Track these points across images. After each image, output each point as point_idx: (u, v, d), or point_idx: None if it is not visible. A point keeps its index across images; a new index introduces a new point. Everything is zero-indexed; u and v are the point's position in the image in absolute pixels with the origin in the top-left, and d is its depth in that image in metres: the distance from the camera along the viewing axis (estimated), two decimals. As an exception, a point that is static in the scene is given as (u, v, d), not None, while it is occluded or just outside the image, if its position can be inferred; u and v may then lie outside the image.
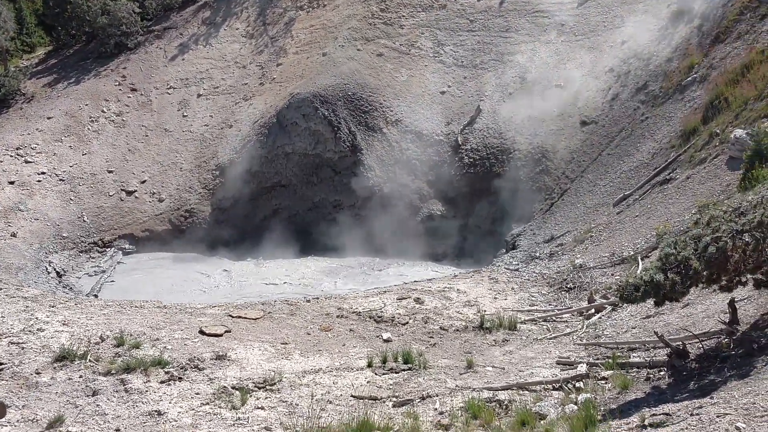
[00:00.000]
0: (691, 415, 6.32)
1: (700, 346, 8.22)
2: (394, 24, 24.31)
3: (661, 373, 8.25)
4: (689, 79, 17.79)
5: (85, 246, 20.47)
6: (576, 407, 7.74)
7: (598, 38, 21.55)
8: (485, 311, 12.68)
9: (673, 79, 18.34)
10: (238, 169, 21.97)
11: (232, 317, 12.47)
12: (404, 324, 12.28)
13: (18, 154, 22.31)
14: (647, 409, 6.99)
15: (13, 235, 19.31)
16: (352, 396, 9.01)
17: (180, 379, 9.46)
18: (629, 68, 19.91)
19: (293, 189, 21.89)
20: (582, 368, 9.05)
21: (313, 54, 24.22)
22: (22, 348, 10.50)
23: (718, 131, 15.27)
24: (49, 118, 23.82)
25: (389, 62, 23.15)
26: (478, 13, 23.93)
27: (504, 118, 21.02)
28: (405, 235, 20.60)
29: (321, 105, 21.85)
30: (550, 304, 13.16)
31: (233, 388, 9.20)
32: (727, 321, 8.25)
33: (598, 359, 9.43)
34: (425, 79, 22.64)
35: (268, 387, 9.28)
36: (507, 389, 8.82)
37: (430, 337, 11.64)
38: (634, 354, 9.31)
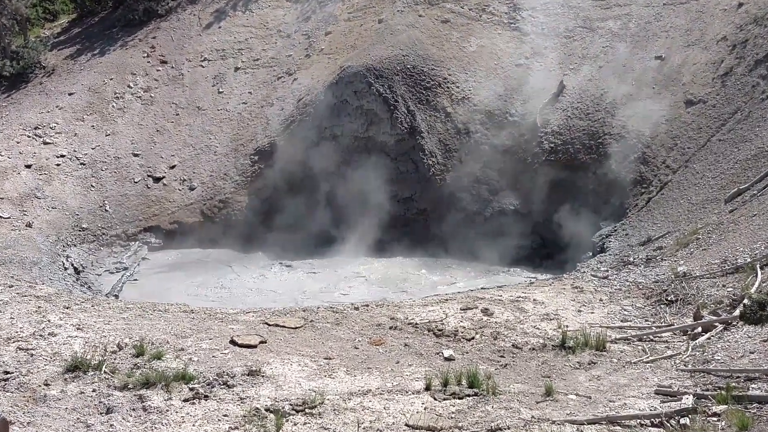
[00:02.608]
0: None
1: (842, 379, 7.61)
2: (463, -15, 23.90)
3: (790, 411, 7.69)
4: (824, 49, 16.88)
5: (107, 239, 20.86)
6: (681, 450, 7.28)
7: (708, 1, 20.69)
8: (567, 327, 12.20)
9: (804, 50, 17.44)
10: (279, 153, 21.99)
11: (269, 325, 12.39)
12: (469, 339, 11.95)
13: (36, 135, 22.90)
14: (774, 458, 6.47)
15: (29, 225, 19.78)
16: (406, 425, 8.72)
17: (206, 397, 9.35)
18: (747, 36, 19.06)
19: (342, 177, 21.75)
20: (687, 401, 8.54)
21: (368, 21, 24.04)
22: (31, 355, 10.62)
23: None
24: (70, 94, 24.38)
25: (456, 30, 22.78)
26: (563, -28, 23.34)
27: (592, 96, 20.45)
28: (471, 233, 20.29)
29: (375, 80, 21.64)
30: (646, 320, 12.60)
31: (267, 410, 9.04)
32: None
33: (707, 390, 8.92)
34: (498, 50, 22.21)
35: (307, 410, 9.08)
36: (594, 423, 8.38)
37: (501, 356, 11.28)
38: (753, 385, 8.73)
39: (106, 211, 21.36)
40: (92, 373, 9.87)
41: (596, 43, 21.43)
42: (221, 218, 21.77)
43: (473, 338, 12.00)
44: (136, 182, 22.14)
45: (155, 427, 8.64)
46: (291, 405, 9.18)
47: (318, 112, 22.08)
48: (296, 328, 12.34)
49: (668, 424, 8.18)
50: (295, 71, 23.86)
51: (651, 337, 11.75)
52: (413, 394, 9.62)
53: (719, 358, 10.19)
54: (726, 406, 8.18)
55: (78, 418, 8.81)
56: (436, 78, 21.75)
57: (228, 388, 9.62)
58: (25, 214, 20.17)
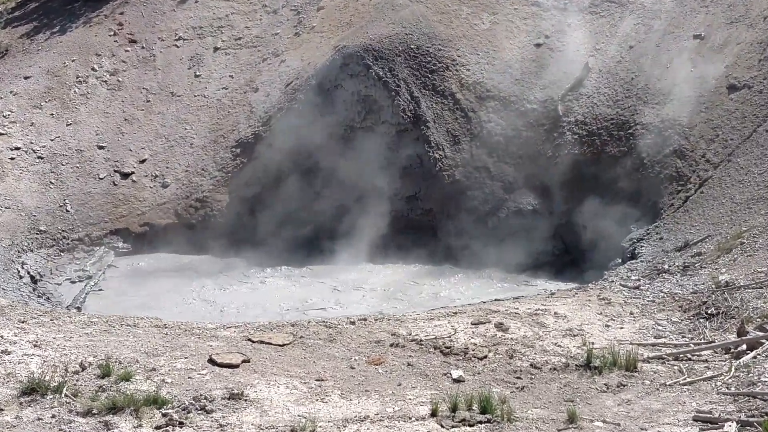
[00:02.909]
0: None
1: None
2: (474, -47, 23.93)
3: None
4: None
5: (68, 243, 20.81)
6: (723, 485, 7.31)
7: (754, -29, 20.78)
8: (593, 344, 12.22)
9: None
10: (265, 145, 21.98)
11: (252, 342, 12.42)
12: (482, 358, 11.96)
13: (-13, 124, 22.90)
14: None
15: (-21, 227, 19.79)
16: (409, 456, 8.79)
17: (181, 424, 9.36)
18: (798, 12, 19.17)
19: (336, 173, 21.78)
20: (730, 428, 8.65)
21: (366, -6, 24.06)
22: (-18, 376, 10.63)
23: None
24: (26, 78, 24.34)
25: (466, 5, 22.79)
26: (588, -61, 23.37)
27: (622, 80, 20.48)
28: (483, 236, 20.28)
29: (374, 62, 21.66)
30: (683, 337, 12.61)
31: (250, 439, 9.07)
32: None
33: (752, 416, 8.99)
34: (515, 27, 22.21)
35: (296, 439, 9.09)
36: (624, 454, 8.45)
37: (517, 377, 11.31)
38: (805, 411, 8.81)
39: (67, 211, 21.34)
40: (51, 396, 9.85)
41: (626, 20, 21.41)
42: (198, 219, 21.74)
43: (486, 357, 12.00)
44: (101, 179, 22.12)
45: (123, 459, 8.67)
46: (278, 433, 9.17)
47: (309, 98, 22.06)
48: (284, 345, 12.34)
49: (708, 455, 8.22)
50: (283, 52, 23.85)
51: (688, 355, 11.76)
52: (417, 420, 9.63)
53: (766, 379, 10.23)
54: (775, 435, 8.24)
55: (35, 448, 8.84)
56: (444, 60, 21.73)
57: (206, 414, 9.62)
58: (-26, 215, 20.21)
